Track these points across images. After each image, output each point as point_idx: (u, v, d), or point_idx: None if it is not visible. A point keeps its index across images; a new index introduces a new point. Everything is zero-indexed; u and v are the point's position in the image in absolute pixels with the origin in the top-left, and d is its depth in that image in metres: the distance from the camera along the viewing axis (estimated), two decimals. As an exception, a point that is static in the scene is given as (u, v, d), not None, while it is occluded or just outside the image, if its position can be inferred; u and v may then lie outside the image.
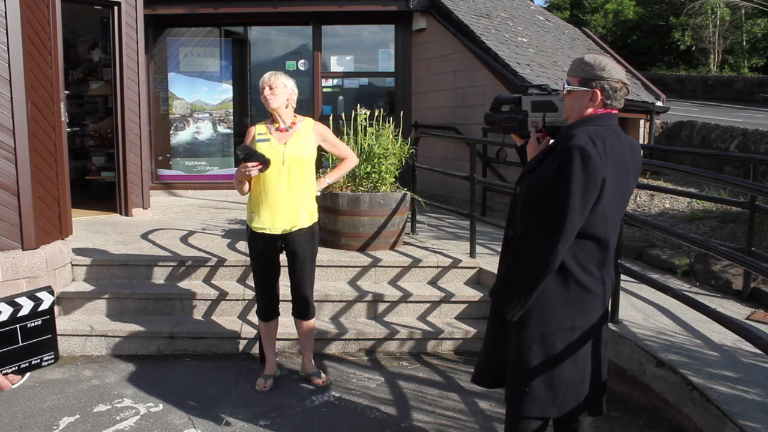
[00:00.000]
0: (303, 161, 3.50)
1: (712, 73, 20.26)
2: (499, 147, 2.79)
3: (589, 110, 2.14)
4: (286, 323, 4.07)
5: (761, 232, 5.17)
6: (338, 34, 9.08)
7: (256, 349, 4.20)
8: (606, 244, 2.13)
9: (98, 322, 4.32)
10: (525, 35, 9.21)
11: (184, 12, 8.44)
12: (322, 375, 3.77)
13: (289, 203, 3.48)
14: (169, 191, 8.70)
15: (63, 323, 4.30)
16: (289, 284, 3.72)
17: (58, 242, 4.56)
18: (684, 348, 3.41)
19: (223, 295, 4.50)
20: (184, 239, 5.37)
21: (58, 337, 4.21)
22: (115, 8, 6.33)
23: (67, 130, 5.73)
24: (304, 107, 8.84)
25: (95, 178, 7.71)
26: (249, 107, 9.09)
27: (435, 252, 5.06)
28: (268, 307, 3.69)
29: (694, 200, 6.69)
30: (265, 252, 3.57)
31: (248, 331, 4.27)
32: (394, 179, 5.16)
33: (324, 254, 4.84)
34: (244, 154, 3.27)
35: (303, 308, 3.69)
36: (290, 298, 3.73)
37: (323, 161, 5.23)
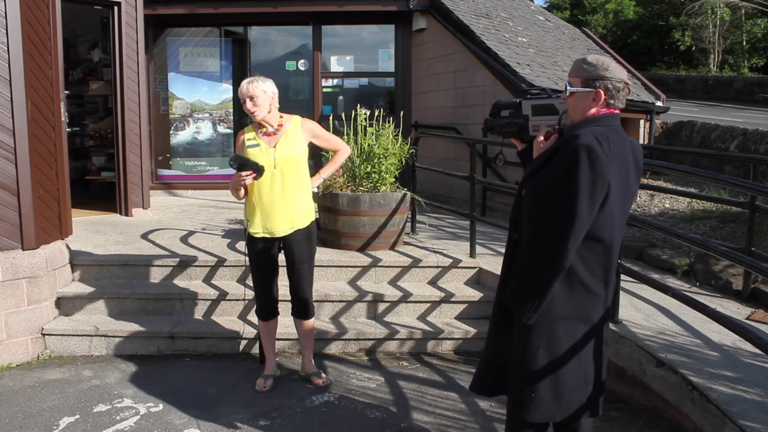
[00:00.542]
0: (295, 162, 3.49)
1: (712, 73, 20.26)
2: (498, 151, 2.78)
3: (593, 110, 2.14)
4: (285, 323, 4.07)
5: (761, 232, 5.17)
6: (338, 34, 9.08)
7: (256, 349, 4.20)
8: (611, 246, 2.12)
9: (98, 322, 4.32)
10: (525, 35, 9.21)
11: (184, 12, 8.43)
12: (322, 375, 3.77)
13: (285, 206, 3.47)
14: (169, 191, 8.70)
15: (63, 323, 4.31)
16: (288, 284, 3.72)
17: (58, 242, 4.56)
18: (684, 348, 3.41)
19: (223, 295, 4.50)
20: (184, 239, 5.36)
21: (59, 337, 4.22)
22: (115, 8, 6.33)
23: (67, 130, 5.72)
24: (304, 107, 8.85)
25: (95, 178, 7.70)
26: (249, 107, 9.07)
27: (435, 252, 5.06)
28: (267, 307, 3.69)
29: (694, 200, 6.69)
30: (264, 253, 3.57)
31: (248, 331, 4.27)
32: (394, 179, 5.16)
33: (324, 254, 4.84)
34: (237, 164, 3.31)
35: (302, 308, 3.69)
36: (289, 298, 3.73)
37: (323, 161, 5.22)
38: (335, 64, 9.00)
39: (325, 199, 5.01)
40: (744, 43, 21.89)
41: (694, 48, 22.39)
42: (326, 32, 8.92)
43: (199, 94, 8.88)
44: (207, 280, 4.71)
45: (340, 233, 5.00)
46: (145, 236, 5.48)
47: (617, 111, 2.17)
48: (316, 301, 4.08)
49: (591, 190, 1.98)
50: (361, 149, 5.07)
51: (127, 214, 6.56)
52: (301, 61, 9.00)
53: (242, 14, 8.64)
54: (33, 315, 4.21)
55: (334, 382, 3.78)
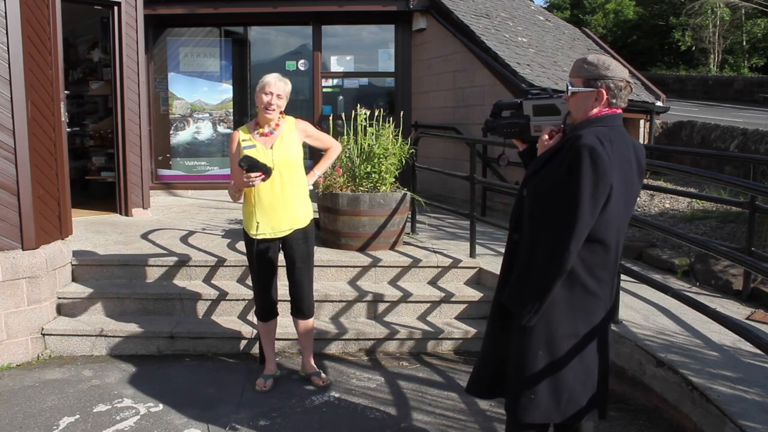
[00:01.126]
0: (292, 163, 3.49)
1: (712, 73, 20.26)
2: (501, 152, 2.78)
3: (595, 110, 2.13)
4: (285, 323, 4.07)
5: (761, 232, 5.17)
6: (338, 34, 9.08)
7: (256, 349, 4.20)
8: (613, 247, 2.11)
9: (98, 322, 4.32)
10: (525, 35, 9.21)
11: (184, 12, 8.44)
12: (322, 375, 3.77)
13: (285, 206, 3.47)
14: (169, 191, 8.70)
15: (63, 323, 4.31)
16: (287, 284, 3.71)
17: (58, 242, 4.56)
18: (684, 348, 3.41)
19: (223, 295, 4.49)
20: (184, 239, 5.37)
21: (59, 337, 4.22)
22: (115, 8, 6.33)
23: (67, 130, 5.72)
24: (304, 107, 8.85)
25: (95, 178, 7.71)
26: (249, 107, 9.08)
27: (435, 252, 5.06)
28: (266, 308, 3.69)
29: (694, 200, 6.69)
30: (263, 254, 3.56)
31: (248, 331, 4.27)
32: (394, 179, 5.16)
33: (324, 254, 4.84)
34: (248, 165, 3.25)
35: (302, 308, 3.69)
36: (289, 298, 3.73)
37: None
38: (335, 64, 9.00)
39: (325, 199, 5.01)
40: (744, 43, 21.90)
41: (694, 48, 22.39)
42: (326, 32, 8.92)
43: (199, 94, 8.89)
44: (207, 280, 4.71)
45: (340, 233, 5.00)
46: (145, 236, 5.48)
47: (619, 111, 2.15)
48: (316, 301, 4.08)
49: (593, 191, 1.97)
50: (361, 149, 5.07)
51: (127, 214, 6.56)
52: (301, 61, 9.00)
53: (242, 14, 8.64)
54: (33, 315, 4.21)
55: (334, 382, 3.78)
